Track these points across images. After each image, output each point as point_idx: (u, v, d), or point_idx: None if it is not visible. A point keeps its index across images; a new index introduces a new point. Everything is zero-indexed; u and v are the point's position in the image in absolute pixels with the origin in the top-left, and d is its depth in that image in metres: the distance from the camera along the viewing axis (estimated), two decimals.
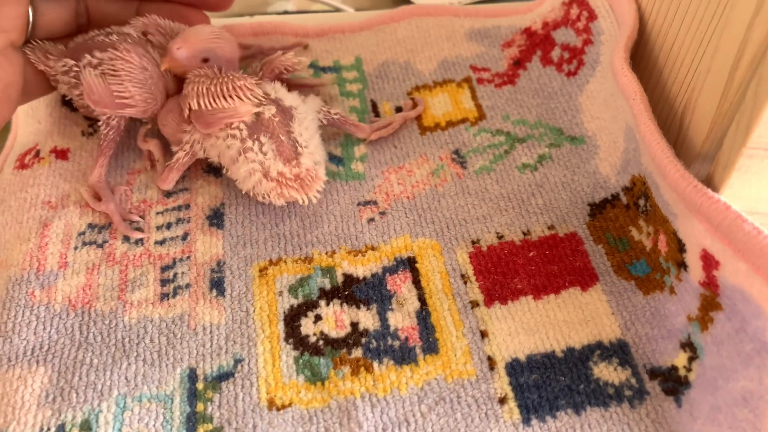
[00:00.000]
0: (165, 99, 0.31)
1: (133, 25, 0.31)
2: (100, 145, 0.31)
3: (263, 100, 0.29)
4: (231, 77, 0.29)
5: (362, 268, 0.29)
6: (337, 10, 0.46)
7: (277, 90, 0.30)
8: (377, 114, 0.35)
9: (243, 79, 0.28)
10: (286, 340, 0.26)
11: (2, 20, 0.28)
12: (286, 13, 0.48)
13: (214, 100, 0.28)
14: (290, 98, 0.30)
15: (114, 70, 0.29)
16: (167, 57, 0.29)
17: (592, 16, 0.34)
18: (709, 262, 0.23)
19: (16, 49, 0.30)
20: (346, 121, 0.33)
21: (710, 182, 0.24)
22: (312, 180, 0.29)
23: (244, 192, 0.30)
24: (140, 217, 0.31)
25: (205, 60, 0.30)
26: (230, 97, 0.28)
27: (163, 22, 0.31)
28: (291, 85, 0.32)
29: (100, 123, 0.31)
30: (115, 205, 0.30)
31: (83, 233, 0.30)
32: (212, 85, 0.28)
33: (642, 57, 0.31)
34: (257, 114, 0.29)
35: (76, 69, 0.30)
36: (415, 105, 0.35)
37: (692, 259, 0.24)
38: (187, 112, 0.29)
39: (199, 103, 0.28)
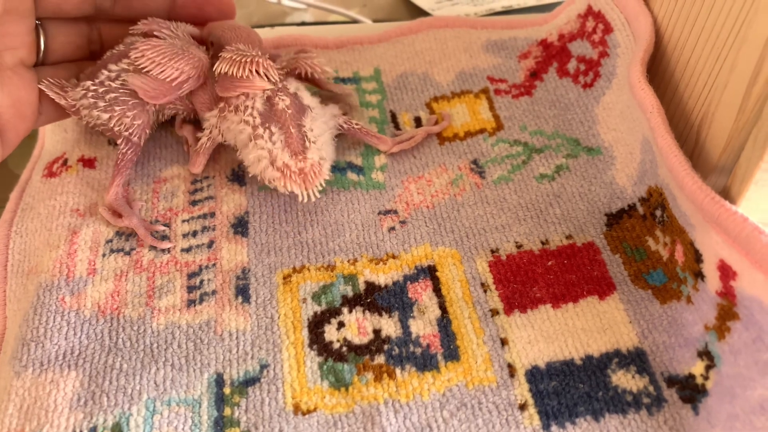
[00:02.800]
0: (207, 61, 0.32)
1: (135, 32, 0.32)
2: (117, 164, 0.31)
3: (278, 82, 0.31)
4: (256, 54, 0.30)
5: (384, 276, 0.29)
6: (355, 21, 0.47)
7: (299, 88, 0.32)
8: (396, 124, 0.36)
9: (265, 59, 0.30)
10: (311, 346, 0.27)
11: (8, 37, 0.29)
12: (303, 24, 0.49)
13: (236, 69, 0.30)
14: (309, 98, 0.32)
15: (148, 61, 0.30)
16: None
17: (608, 29, 0.35)
18: (726, 272, 0.23)
19: (28, 67, 0.30)
20: (368, 132, 0.34)
21: (727, 194, 0.25)
22: (315, 175, 0.30)
23: (251, 175, 0.31)
24: (165, 225, 0.31)
25: (211, 44, 0.32)
26: (249, 70, 0.30)
27: (163, 21, 0.32)
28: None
29: (119, 141, 0.31)
30: (137, 218, 0.31)
31: (111, 241, 0.31)
32: (238, 56, 0.30)
33: (658, 71, 0.31)
34: (271, 104, 0.30)
35: (93, 88, 0.31)
36: (437, 122, 0.35)
37: (709, 269, 0.24)
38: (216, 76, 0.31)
39: (222, 69, 0.30)
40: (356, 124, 0.33)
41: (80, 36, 0.33)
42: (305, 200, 0.30)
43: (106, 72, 0.31)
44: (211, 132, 0.32)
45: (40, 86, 0.31)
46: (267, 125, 0.30)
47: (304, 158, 0.30)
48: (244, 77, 0.30)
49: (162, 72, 0.30)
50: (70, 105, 0.31)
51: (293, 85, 0.32)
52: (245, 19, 0.50)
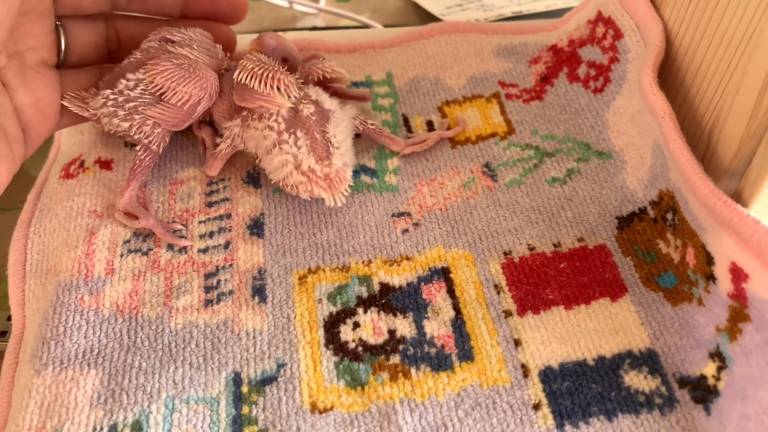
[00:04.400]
0: (219, 75, 0.32)
1: (151, 39, 0.32)
2: (134, 169, 0.32)
3: (297, 98, 0.31)
4: (277, 69, 0.31)
5: (398, 278, 0.30)
6: (365, 26, 0.48)
7: (319, 94, 0.32)
8: (409, 127, 0.36)
9: (286, 76, 0.31)
10: (326, 345, 0.28)
11: (29, 37, 0.29)
12: (314, 28, 0.49)
13: (256, 82, 0.30)
14: (329, 102, 0.32)
15: (159, 88, 0.31)
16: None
17: (618, 35, 0.35)
18: (738, 274, 0.24)
19: (50, 68, 0.31)
20: (382, 132, 0.34)
21: (739, 198, 0.25)
22: (340, 181, 0.31)
23: (273, 182, 0.32)
24: (182, 225, 0.32)
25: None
26: (270, 86, 0.30)
27: (176, 29, 0.33)
28: (332, 95, 0.34)
29: (138, 147, 0.32)
30: (154, 219, 0.31)
31: (128, 241, 0.31)
32: (259, 69, 0.30)
33: (669, 76, 0.32)
34: (296, 111, 0.31)
35: (113, 96, 0.31)
36: (449, 127, 0.36)
37: (721, 271, 0.25)
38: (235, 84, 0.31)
39: (241, 78, 0.30)
40: (371, 124, 0.34)
41: (99, 35, 0.33)
42: (332, 204, 0.31)
43: (124, 81, 0.31)
44: (233, 140, 0.32)
45: (62, 102, 0.31)
46: (292, 131, 0.30)
47: (330, 164, 0.30)
48: (264, 92, 0.30)
49: (173, 96, 0.31)
50: (92, 115, 0.32)
51: (313, 91, 0.32)
52: (256, 23, 0.50)
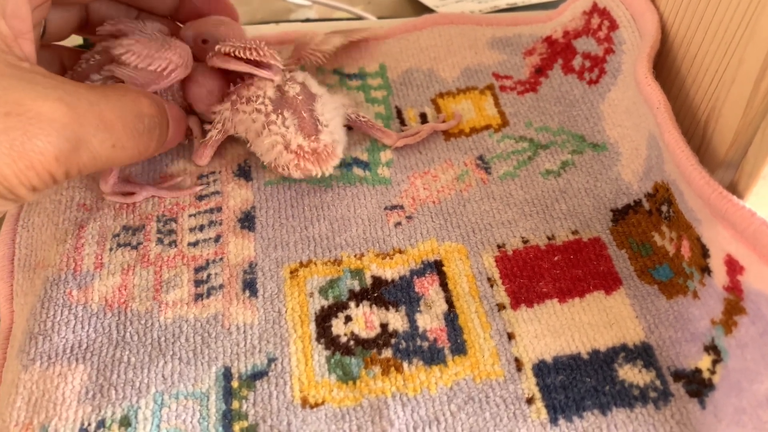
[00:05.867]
0: (189, 53, 0.32)
1: (103, 32, 0.32)
2: None
3: (281, 66, 0.31)
4: (258, 43, 0.31)
5: (390, 271, 0.29)
6: (359, 17, 0.47)
7: (307, 78, 0.32)
8: (402, 120, 0.36)
9: (269, 48, 0.31)
10: (318, 340, 0.27)
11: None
12: (308, 20, 0.49)
13: (242, 53, 0.30)
14: (317, 87, 0.32)
15: (135, 56, 0.30)
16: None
17: (613, 26, 0.35)
18: (733, 267, 0.23)
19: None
20: (374, 125, 0.34)
21: (734, 189, 0.25)
22: (328, 155, 0.31)
23: (265, 163, 0.32)
24: (172, 220, 0.31)
25: (204, 41, 0.33)
26: (256, 51, 0.30)
27: (130, 21, 0.32)
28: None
29: None
30: (149, 185, 0.32)
31: (118, 235, 0.31)
32: (242, 44, 0.31)
33: (664, 67, 0.31)
34: (282, 92, 0.31)
35: None
36: (444, 120, 0.35)
37: (716, 264, 0.24)
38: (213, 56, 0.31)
39: (225, 51, 0.31)
40: (363, 117, 0.34)
41: (77, 17, 0.32)
42: (319, 175, 0.31)
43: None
44: (223, 125, 0.32)
45: None
46: (279, 111, 0.30)
47: (317, 139, 0.30)
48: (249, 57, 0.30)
49: (150, 64, 0.30)
50: None
51: (301, 75, 0.32)
52: (249, 15, 0.50)
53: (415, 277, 0.29)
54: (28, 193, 0.23)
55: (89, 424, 0.25)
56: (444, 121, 0.35)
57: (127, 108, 0.26)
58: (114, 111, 0.25)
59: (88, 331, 0.28)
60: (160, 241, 0.31)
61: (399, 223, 0.31)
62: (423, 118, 0.36)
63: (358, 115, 0.34)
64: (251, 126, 0.31)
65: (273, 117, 0.30)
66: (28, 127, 0.22)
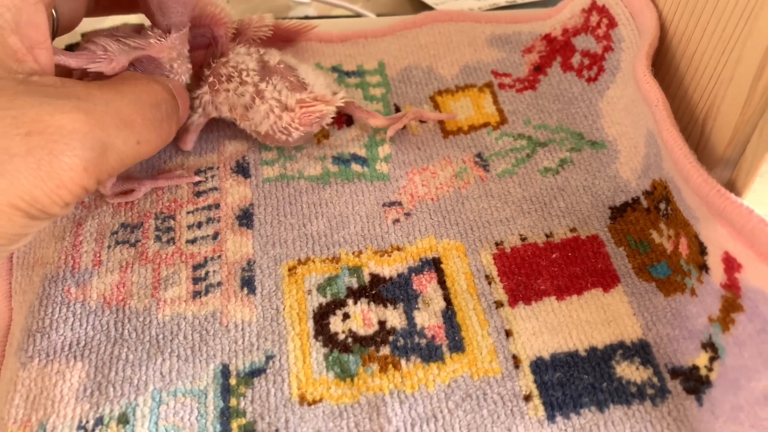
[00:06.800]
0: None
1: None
2: None
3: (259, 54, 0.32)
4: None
5: (388, 268, 0.29)
6: (358, 15, 0.47)
7: (282, 55, 0.33)
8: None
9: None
10: (316, 337, 0.27)
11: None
12: (307, 18, 0.49)
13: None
14: (294, 62, 0.33)
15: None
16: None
17: (612, 24, 0.35)
18: (731, 264, 0.23)
19: None
20: (358, 107, 0.34)
21: (732, 187, 0.25)
22: (329, 101, 0.32)
23: (262, 134, 0.32)
24: (170, 217, 0.31)
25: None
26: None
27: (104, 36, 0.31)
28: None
29: None
30: (148, 179, 0.32)
31: (116, 232, 0.31)
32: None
33: (663, 64, 0.31)
34: (263, 62, 0.32)
35: None
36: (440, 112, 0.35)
37: (714, 261, 0.24)
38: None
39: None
40: (344, 99, 0.33)
41: (82, 7, 0.32)
42: (318, 129, 0.32)
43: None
44: (204, 108, 0.32)
45: None
46: (267, 79, 0.31)
47: (312, 91, 0.31)
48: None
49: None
50: None
51: (275, 53, 0.33)
52: (249, 12, 0.50)
53: (413, 274, 0.29)
54: (61, 210, 0.23)
55: (87, 422, 0.25)
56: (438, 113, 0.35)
57: (142, 100, 0.26)
58: (131, 106, 0.25)
59: (86, 328, 0.28)
60: (158, 238, 0.31)
61: (397, 220, 0.31)
62: (422, 120, 0.36)
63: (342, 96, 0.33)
64: (237, 101, 0.31)
65: (263, 86, 0.31)
66: (52, 145, 0.22)
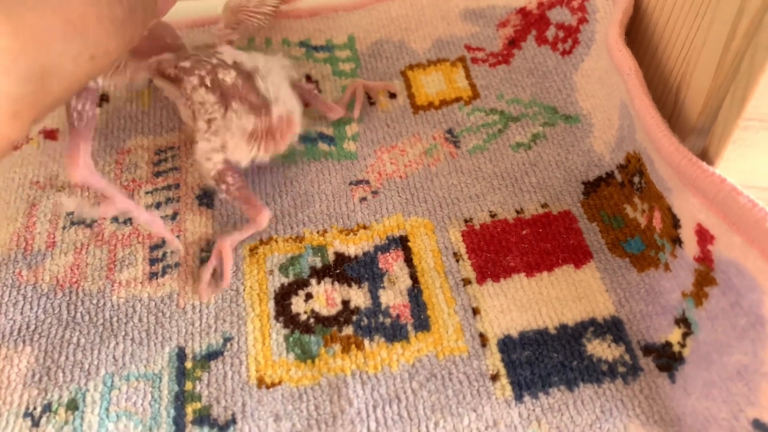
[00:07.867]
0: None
1: None
2: (75, 126, 0.27)
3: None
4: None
5: (354, 247, 0.28)
6: None
7: (236, 56, 0.29)
8: (369, 94, 0.34)
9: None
10: (277, 318, 0.26)
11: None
12: None
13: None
14: (251, 59, 0.29)
15: None
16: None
17: None
18: (704, 236, 0.22)
19: None
20: (318, 98, 0.33)
21: (705, 156, 0.24)
22: (287, 126, 0.28)
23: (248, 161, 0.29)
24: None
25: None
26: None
27: None
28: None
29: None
30: (132, 203, 0.28)
31: (71, 213, 0.30)
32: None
33: (638, 33, 0.30)
34: (218, 84, 0.28)
35: None
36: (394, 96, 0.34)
37: (687, 234, 0.23)
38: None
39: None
40: (306, 86, 0.32)
41: None
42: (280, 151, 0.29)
43: None
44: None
45: None
46: (227, 105, 0.28)
47: (270, 118, 0.28)
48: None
49: None
50: None
51: (228, 54, 0.29)
52: None
53: (380, 252, 0.28)
54: None
55: (35, 408, 0.24)
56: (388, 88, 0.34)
57: None
58: (82, 4, 0.17)
59: (36, 312, 0.26)
60: (115, 218, 0.29)
61: (364, 198, 0.30)
62: (392, 94, 0.34)
63: (301, 83, 0.32)
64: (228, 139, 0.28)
65: (227, 116, 0.28)
66: None
